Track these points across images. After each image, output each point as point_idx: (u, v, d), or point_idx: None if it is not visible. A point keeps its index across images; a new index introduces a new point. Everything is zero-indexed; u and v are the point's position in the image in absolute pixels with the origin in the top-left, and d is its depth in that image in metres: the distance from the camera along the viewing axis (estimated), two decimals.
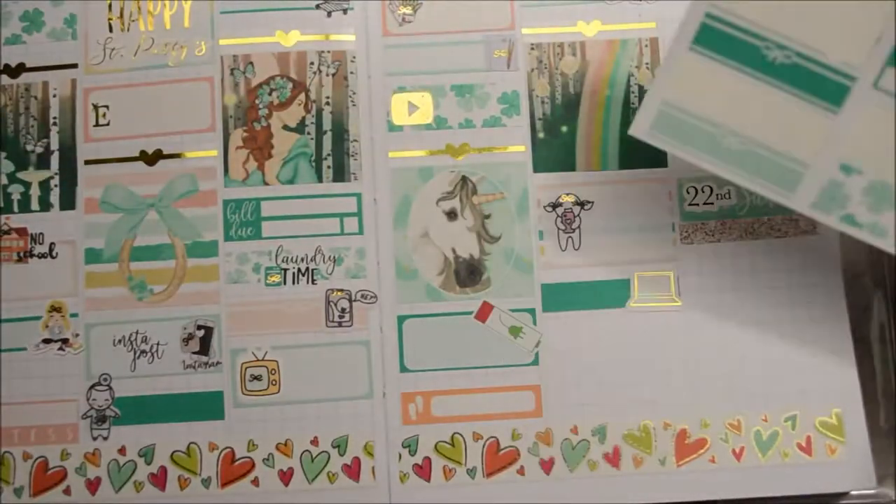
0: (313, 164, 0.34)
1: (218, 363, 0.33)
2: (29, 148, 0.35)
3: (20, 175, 0.35)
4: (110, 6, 0.36)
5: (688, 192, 0.34)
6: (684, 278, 0.34)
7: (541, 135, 0.35)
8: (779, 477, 0.32)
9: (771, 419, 0.33)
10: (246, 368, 0.33)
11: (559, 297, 0.34)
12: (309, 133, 0.35)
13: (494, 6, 0.35)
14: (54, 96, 0.35)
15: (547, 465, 0.32)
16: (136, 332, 0.34)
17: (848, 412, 0.33)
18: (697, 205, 0.34)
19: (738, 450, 0.33)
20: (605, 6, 0.35)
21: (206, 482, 0.32)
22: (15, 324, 0.34)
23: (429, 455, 0.33)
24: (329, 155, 0.34)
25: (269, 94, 0.35)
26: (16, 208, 0.35)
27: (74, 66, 0.35)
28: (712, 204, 0.34)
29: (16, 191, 0.35)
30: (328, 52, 0.35)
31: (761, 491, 0.32)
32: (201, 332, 0.33)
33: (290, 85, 0.35)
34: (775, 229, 0.34)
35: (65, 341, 0.34)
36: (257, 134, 0.35)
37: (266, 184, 0.34)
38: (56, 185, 0.35)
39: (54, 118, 0.35)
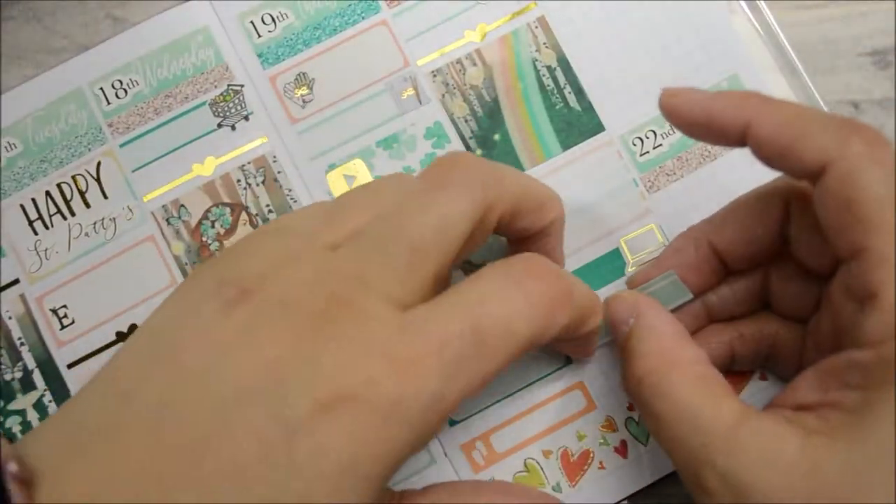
0: None
1: None
2: (7, 377, 0.34)
3: (11, 406, 0.34)
4: (24, 209, 0.35)
5: (634, 145, 0.35)
6: (666, 224, 0.34)
7: (478, 152, 0.35)
8: None
9: None
10: None
11: None
12: None
13: (383, 52, 0.35)
14: (10, 318, 0.34)
15: (622, 450, 0.33)
16: None
17: None
18: (648, 152, 0.35)
19: None
20: (481, 8, 0.36)
21: None
22: None
23: None
24: None
25: (212, 225, 0.35)
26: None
27: (17, 281, 0.35)
28: (662, 145, 0.35)
29: (14, 423, 0.34)
30: (249, 162, 0.35)
31: None
32: None
33: (229, 209, 0.35)
34: None
35: None
36: None
37: None
38: (51, 401, 0.34)
39: (20, 339, 0.34)
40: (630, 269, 0.34)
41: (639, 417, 0.33)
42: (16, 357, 0.34)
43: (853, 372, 0.24)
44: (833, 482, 0.23)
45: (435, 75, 0.35)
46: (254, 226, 0.34)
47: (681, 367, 0.27)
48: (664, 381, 0.26)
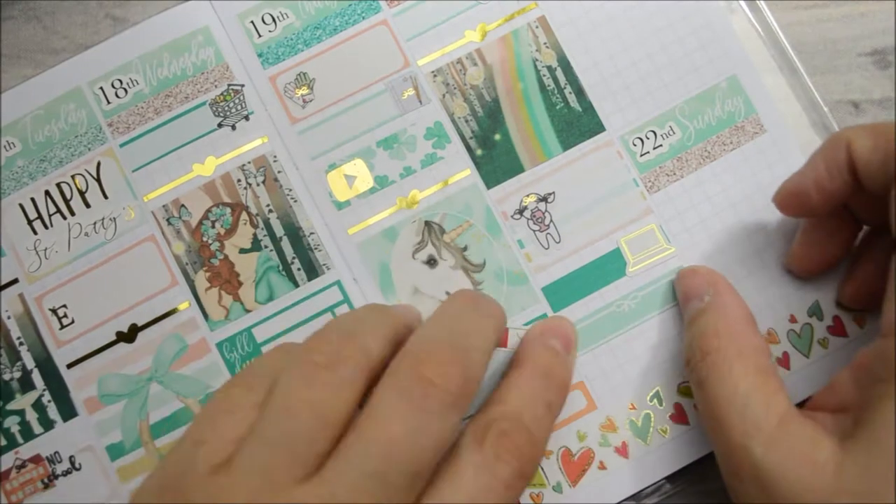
0: (283, 273, 0.34)
1: None
2: (7, 377, 0.34)
3: (10, 406, 0.34)
4: (23, 209, 0.35)
5: (634, 145, 0.35)
6: (667, 224, 0.34)
7: (479, 152, 0.35)
8: (824, 371, 0.33)
9: (799, 319, 0.33)
10: None
11: (563, 292, 0.34)
12: (266, 246, 0.34)
13: (383, 52, 0.35)
14: (9, 318, 0.34)
15: (622, 451, 0.33)
16: None
17: None
18: (648, 152, 0.35)
19: (783, 355, 0.33)
20: (482, 8, 0.36)
21: None
22: None
23: None
24: (294, 258, 0.34)
25: (213, 226, 0.35)
26: (21, 439, 0.34)
27: (15, 281, 0.34)
28: (662, 146, 0.35)
29: (13, 423, 0.34)
30: (249, 162, 0.35)
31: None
32: None
33: (229, 209, 0.35)
34: (727, 143, 0.34)
35: None
36: (219, 268, 0.34)
37: (248, 311, 0.34)
38: (49, 401, 0.34)
39: (18, 338, 0.34)
40: (631, 270, 0.34)
41: (640, 417, 0.33)
42: (15, 357, 0.34)
43: (878, 363, 0.25)
44: (852, 482, 0.23)
45: (435, 75, 0.35)
46: (254, 225, 0.34)
47: (745, 354, 0.28)
48: (726, 364, 0.28)
